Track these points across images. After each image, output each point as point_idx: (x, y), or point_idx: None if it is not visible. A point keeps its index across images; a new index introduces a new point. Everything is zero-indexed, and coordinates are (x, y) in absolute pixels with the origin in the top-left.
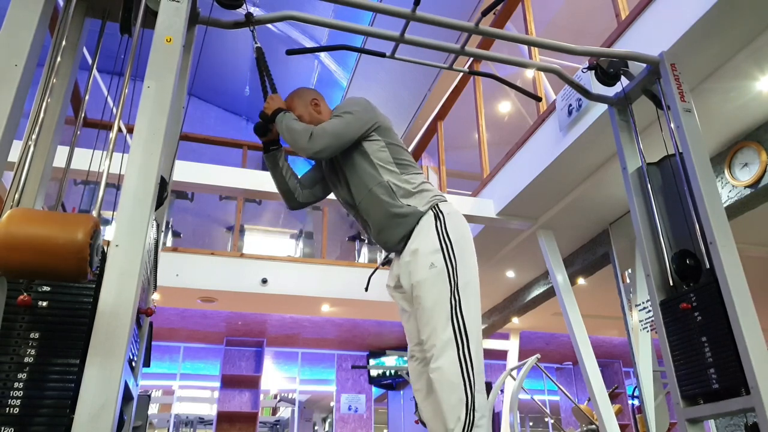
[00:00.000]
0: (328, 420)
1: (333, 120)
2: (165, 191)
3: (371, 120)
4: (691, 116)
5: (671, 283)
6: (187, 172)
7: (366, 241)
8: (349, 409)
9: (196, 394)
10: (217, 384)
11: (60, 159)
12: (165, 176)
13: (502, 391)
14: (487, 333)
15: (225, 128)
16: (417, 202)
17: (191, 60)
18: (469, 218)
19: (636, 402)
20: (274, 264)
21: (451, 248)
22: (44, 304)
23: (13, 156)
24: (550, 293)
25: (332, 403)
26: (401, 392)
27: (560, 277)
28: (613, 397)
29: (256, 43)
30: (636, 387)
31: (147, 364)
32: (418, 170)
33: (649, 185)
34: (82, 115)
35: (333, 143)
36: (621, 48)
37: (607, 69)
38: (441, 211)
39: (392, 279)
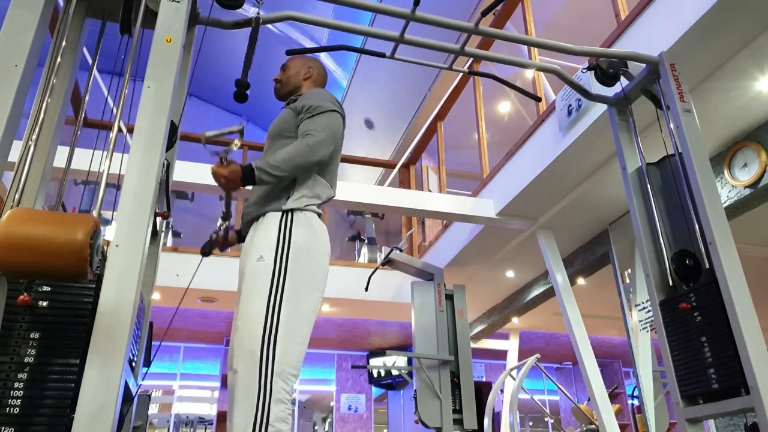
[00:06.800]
0: (328, 420)
1: (320, 120)
2: (175, 135)
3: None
4: (691, 116)
5: (671, 283)
6: (187, 172)
7: (366, 242)
8: (349, 409)
9: (196, 394)
10: (217, 384)
11: (60, 159)
12: (175, 121)
13: (502, 391)
14: (487, 333)
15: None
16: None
17: (191, 60)
18: (469, 218)
19: (636, 402)
20: None
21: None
22: (44, 304)
23: (13, 156)
24: (550, 293)
25: (332, 403)
26: (401, 392)
27: (560, 277)
28: (613, 397)
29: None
30: (636, 387)
31: (147, 364)
32: None
33: (648, 185)
34: (82, 115)
35: (331, 145)
36: (621, 48)
37: (607, 69)
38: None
39: None
